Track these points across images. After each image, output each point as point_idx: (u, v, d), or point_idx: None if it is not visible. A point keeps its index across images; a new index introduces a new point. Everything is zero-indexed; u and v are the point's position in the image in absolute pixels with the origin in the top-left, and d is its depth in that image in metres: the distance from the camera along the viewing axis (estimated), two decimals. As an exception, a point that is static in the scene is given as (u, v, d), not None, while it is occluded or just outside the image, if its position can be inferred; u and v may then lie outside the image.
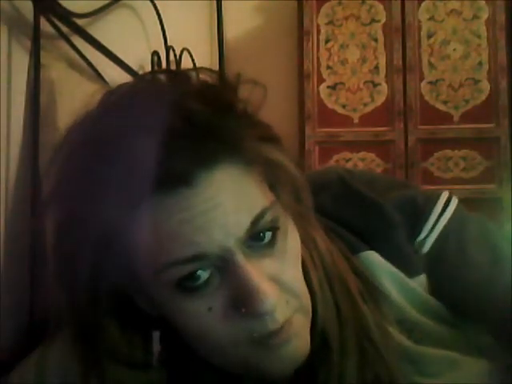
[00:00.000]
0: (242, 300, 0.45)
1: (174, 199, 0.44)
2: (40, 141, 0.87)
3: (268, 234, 0.47)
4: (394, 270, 0.56)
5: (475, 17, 2.02)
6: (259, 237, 0.47)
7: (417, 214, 0.58)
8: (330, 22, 2.07)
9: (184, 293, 0.46)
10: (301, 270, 0.50)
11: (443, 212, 0.58)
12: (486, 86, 1.99)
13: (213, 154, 0.45)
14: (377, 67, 2.05)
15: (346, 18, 2.07)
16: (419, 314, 0.55)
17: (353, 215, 0.57)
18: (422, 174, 1.98)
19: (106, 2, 1.17)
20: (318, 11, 2.08)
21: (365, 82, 2.05)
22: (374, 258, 0.56)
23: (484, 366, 0.54)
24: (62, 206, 0.48)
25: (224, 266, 0.45)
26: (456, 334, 0.56)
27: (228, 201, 0.45)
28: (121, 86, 0.52)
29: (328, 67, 2.07)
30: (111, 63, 1.13)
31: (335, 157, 2.04)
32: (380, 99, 2.04)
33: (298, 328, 0.48)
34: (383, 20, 2.05)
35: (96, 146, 0.45)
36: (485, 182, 1.96)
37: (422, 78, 2.02)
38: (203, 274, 0.45)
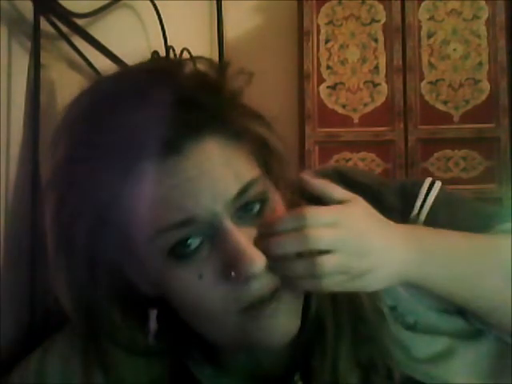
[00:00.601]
0: (231, 264, 0.47)
1: (164, 166, 0.46)
2: (40, 141, 0.87)
3: (256, 206, 0.49)
4: None
5: (475, 17, 2.02)
6: (248, 208, 0.49)
7: (407, 195, 0.62)
8: (330, 22, 2.07)
9: (175, 261, 0.48)
10: None
11: (429, 191, 0.62)
12: (486, 85, 1.99)
13: (201, 125, 0.48)
14: (377, 67, 2.05)
15: (346, 18, 2.07)
16: (415, 298, 0.56)
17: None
18: (422, 173, 1.98)
19: (106, 2, 1.17)
20: (318, 11, 2.08)
21: (365, 82, 2.05)
22: None
23: (481, 352, 0.55)
24: (60, 178, 0.51)
25: (213, 233, 0.47)
26: (452, 318, 0.57)
27: (216, 168, 0.48)
28: (113, 71, 0.55)
29: (328, 67, 2.07)
30: (111, 63, 1.13)
31: (335, 157, 2.04)
32: (380, 99, 2.04)
33: (287, 304, 0.49)
34: (383, 20, 2.05)
35: (91, 119, 0.49)
36: (485, 181, 1.96)
37: (422, 78, 2.02)
38: (194, 242, 0.47)
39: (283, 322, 0.49)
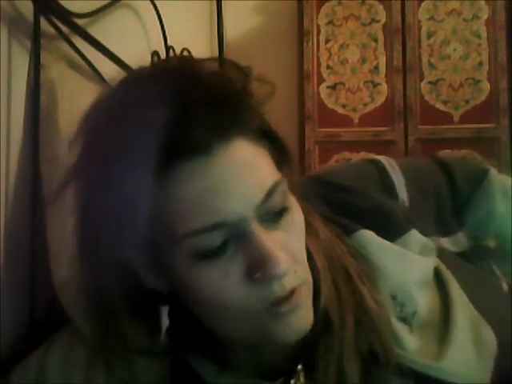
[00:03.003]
0: (257, 265, 0.48)
1: (194, 167, 0.46)
2: (40, 141, 0.87)
3: (279, 209, 0.50)
4: (385, 242, 0.61)
5: (475, 17, 2.02)
6: (271, 211, 0.50)
7: (384, 185, 0.68)
8: (330, 22, 2.07)
9: (201, 261, 0.48)
10: (305, 246, 0.53)
11: (398, 173, 0.68)
12: (486, 86, 1.99)
13: (229, 127, 0.48)
14: (377, 67, 2.05)
15: (346, 18, 2.07)
16: (414, 284, 0.58)
17: (342, 200, 0.63)
18: (422, 173, 1.98)
19: (106, 2, 1.17)
20: (318, 11, 2.08)
21: (365, 82, 2.05)
22: (367, 236, 0.60)
23: (479, 337, 0.56)
24: (87, 175, 0.50)
25: (239, 234, 0.48)
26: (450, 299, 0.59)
27: (244, 171, 0.48)
28: (141, 67, 0.55)
29: (328, 67, 2.07)
30: (111, 63, 1.13)
31: (335, 157, 2.04)
32: (380, 99, 2.04)
33: (304, 299, 0.51)
34: (383, 20, 2.05)
35: (120, 117, 0.48)
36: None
37: (422, 78, 2.02)
38: (220, 243, 0.48)
39: (301, 318, 0.51)
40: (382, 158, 0.73)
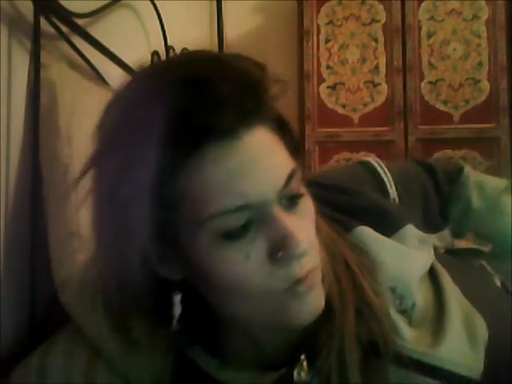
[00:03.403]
0: (279, 245, 0.50)
1: (221, 150, 0.48)
2: (41, 140, 0.87)
3: (295, 195, 0.53)
4: (383, 237, 0.63)
5: (475, 17, 2.02)
6: (289, 196, 0.52)
7: (376, 184, 0.72)
8: (330, 22, 2.07)
9: (224, 243, 0.50)
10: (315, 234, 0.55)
11: (386, 172, 0.73)
12: (485, 86, 1.99)
13: (253, 114, 0.50)
14: (377, 67, 2.05)
15: (346, 18, 2.07)
16: (412, 277, 0.61)
17: (341, 201, 0.66)
18: (422, 173, 1.98)
19: (106, 2, 1.17)
20: (318, 11, 2.08)
21: (365, 82, 2.05)
22: (365, 231, 0.63)
23: (471, 327, 0.57)
24: (116, 155, 0.50)
25: (262, 216, 0.50)
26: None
27: (267, 156, 0.51)
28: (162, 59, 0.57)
29: (328, 67, 2.07)
30: (111, 63, 1.13)
31: (335, 157, 2.04)
32: (380, 99, 2.04)
33: (317, 280, 0.53)
34: (383, 20, 2.05)
35: (150, 100, 0.49)
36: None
37: (422, 78, 2.02)
38: (243, 225, 0.50)
39: (315, 298, 0.53)
40: (370, 159, 0.76)
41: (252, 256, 0.50)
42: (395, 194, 0.73)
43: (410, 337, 0.56)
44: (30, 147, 0.87)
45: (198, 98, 0.48)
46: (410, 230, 0.66)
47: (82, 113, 0.90)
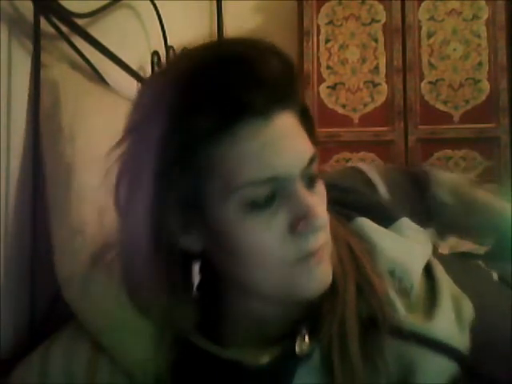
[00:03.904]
0: (301, 217, 0.55)
1: (255, 126, 0.54)
2: (43, 140, 0.87)
3: (314, 178, 0.58)
4: (381, 228, 0.68)
5: (475, 17, 2.02)
6: (309, 179, 0.57)
7: (368, 184, 0.78)
8: (330, 22, 2.08)
9: (249, 212, 0.54)
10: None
11: (375, 174, 0.80)
12: (485, 86, 1.99)
13: (285, 99, 0.56)
14: (377, 67, 2.05)
15: (346, 18, 2.07)
16: (411, 262, 0.65)
17: (342, 199, 0.70)
18: (422, 173, 1.98)
19: (106, 2, 1.17)
20: (318, 11, 2.08)
21: (365, 82, 2.05)
22: (365, 222, 0.68)
23: (459, 307, 0.61)
24: (159, 123, 0.55)
25: (286, 190, 0.55)
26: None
27: (294, 137, 0.57)
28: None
29: (328, 67, 2.07)
30: (111, 63, 1.13)
31: (335, 157, 2.04)
32: (380, 99, 2.04)
33: (326, 256, 0.58)
34: (383, 20, 2.05)
35: (195, 74, 0.54)
36: (485, 182, 1.96)
37: (422, 78, 2.02)
38: (267, 197, 0.55)
39: (324, 272, 0.58)
40: (357, 164, 0.85)
41: (274, 227, 0.55)
42: (386, 193, 0.79)
43: (405, 314, 0.60)
44: (31, 147, 0.87)
45: (239, 77, 0.53)
46: (406, 222, 0.70)
47: (84, 113, 0.90)
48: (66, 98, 0.89)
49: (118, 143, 0.60)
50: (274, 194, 0.55)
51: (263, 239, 0.55)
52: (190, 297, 0.63)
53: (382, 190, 0.79)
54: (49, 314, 0.87)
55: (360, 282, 0.61)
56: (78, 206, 0.81)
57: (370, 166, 0.83)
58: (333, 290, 0.59)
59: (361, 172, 0.81)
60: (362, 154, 2.03)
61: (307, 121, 0.60)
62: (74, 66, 1.01)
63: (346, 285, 0.60)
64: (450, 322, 0.59)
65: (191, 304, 0.63)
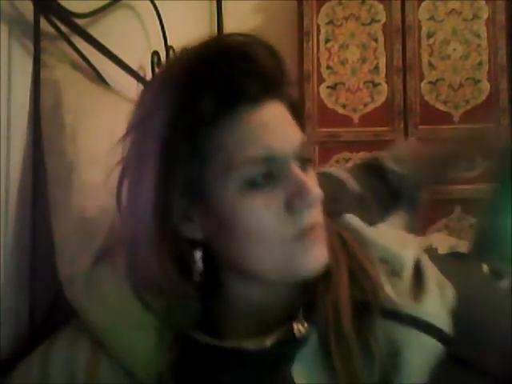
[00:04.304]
0: (296, 194, 0.59)
1: (251, 111, 0.59)
2: (45, 138, 0.88)
3: (306, 162, 0.62)
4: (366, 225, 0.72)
5: (475, 17, 2.02)
6: (302, 162, 0.61)
7: (342, 187, 0.86)
8: (330, 22, 2.08)
9: (248, 191, 0.58)
10: None
11: (339, 170, 0.92)
12: (486, 86, 1.99)
13: (276, 89, 0.61)
14: (377, 67, 2.05)
15: (346, 18, 2.07)
16: (399, 248, 0.68)
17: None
18: (422, 173, 1.98)
19: (106, 2, 1.17)
20: (318, 11, 2.08)
21: (365, 82, 2.05)
22: (352, 217, 0.71)
23: (443, 291, 0.64)
24: (164, 111, 0.59)
25: (281, 169, 0.59)
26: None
27: (286, 122, 0.62)
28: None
29: (328, 67, 2.07)
30: (111, 63, 1.13)
31: (335, 157, 2.04)
32: (380, 99, 2.04)
33: (322, 236, 0.62)
34: (383, 20, 2.05)
35: (198, 66, 0.59)
36: (485, 181, 1.95)
37: (422, 78, 2.02)
38: (264, 176, 0.59)
39: (320, 251, 0.61)
40: (324, 169, 0.94)
41: (271, 205, 0.59)
42: (356, 186, 0.86)
43: (395, 297, 0.63)
44: (31, 147, 0.87)
45: (235, 67, 0.58)
46: (390, 222, 0.78)
47: (85, 112, 0.91)
48: (68, 98, 0.90)
49: (122, 139, 0.63)
50: (271, 174, 0.59)
51: (261, 217, 0.58)
52: (190, 286, 0.64)
53: (352, 184, 0.87)
54: (49, 313, 0.87)
55: (352, 268, 0.64)
56: (80, 204, 0.81)
57: (336, 167, 0.95)
58: (326, 275, 0.62)
59: (329, 175, 0.88)
60: (362, 154, 2.03)
61: (296, 112, 0.65)
62: (75, 65, 1.01)
63: (339, 270, 0.64)
64: (437, 305, 0.62)
65: (192, 294, 0.65)
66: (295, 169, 0.60)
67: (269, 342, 0.61)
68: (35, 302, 0.83)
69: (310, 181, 0.60)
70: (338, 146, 2.04)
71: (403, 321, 0.60)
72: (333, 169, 0.92)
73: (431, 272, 0.66)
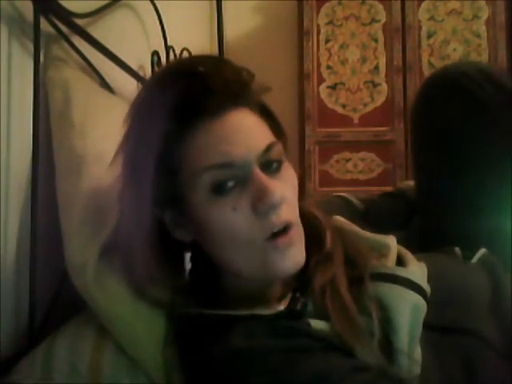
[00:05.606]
0: (258, 197, 0.62)
1: (212, 123, 0.63)
2: (54, 135, 0.88)
3: (275, 164, 0.66)
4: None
5: (475, 17, 2.02)
6: (270, 164, 0.65)
7: (346, 202, 1.01)
8: (330, 22, 2.08)
9: (215, 197, 0.63)
10: (297, 201, 0.68)
11: (350, 195, 1.05)
12: (485, 85, 1.99)
13: (237, 98, 0.65)
14: (377, 67, 2.05)
15: (346, 18, 2.07)
16: (386, 238, 0.75)
17: None
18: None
19: (106, 2, 1.17)
20: (318, 11, 2.08)
21: (365, 82, 2.05)
22: (341, 218, 0.79)
23: (422, 267, 0.72)
24: (136, 132, 0.66)
25: (245, 175, 0.63)
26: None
27: (249, 129, 0.65)
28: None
29: (328, 67, 2.07)
30: (111, 63, 1.13)
31: (335, 157, 2.04)
32: (380, 99, 2.04)
33: (297, 239, 0.65)
34: (383, 20, 2.05)
35: (156, 90, 0.66)
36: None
37: (422, 78, 2.02)
38: (230, 182, 0.63)
39: (295, 253, 0.64)
40: (339, 193, 1.05)
41: (238, 208, 0.63)
42: (361, 205, 0.99)
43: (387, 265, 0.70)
44: (31, 147, 0.87)
45: (195, 86, 0.63)
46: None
47: (93, 110, 0.92)
48: (77, 96, 0.92)
49: (118, 148, 0.68)
50: (235, 179, 0.63)
51: (231, 220, 0.63)
52: (183, 281, 0.71)
53: (357, 203, 0.99)
54: (49, 313, 0.87)
55: (347, 250, 0.71)
56: (89, 194, 0.81)
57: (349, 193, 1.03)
58: (325, 257, 0.69)
59: (342, 197, 1.01)
60: (362, 154, 2.03)
61: (268, 116, 0.69)
62: (81, 65, 1.02)
63: (335, 251, 0.70)
64: (419, 271, 0.70)
65: (185, 288, 0.71)
66: (258, 173, 0.63)
67: (281, 306, 0.66)
68: (35, 302, 0.83)
69: (275, 183, 0.63)
70: (337, 146, 2.04)
71: (393, 281, 0.66)
72: (346, 194, 1.03)
73: (409, 253, 0.74)
